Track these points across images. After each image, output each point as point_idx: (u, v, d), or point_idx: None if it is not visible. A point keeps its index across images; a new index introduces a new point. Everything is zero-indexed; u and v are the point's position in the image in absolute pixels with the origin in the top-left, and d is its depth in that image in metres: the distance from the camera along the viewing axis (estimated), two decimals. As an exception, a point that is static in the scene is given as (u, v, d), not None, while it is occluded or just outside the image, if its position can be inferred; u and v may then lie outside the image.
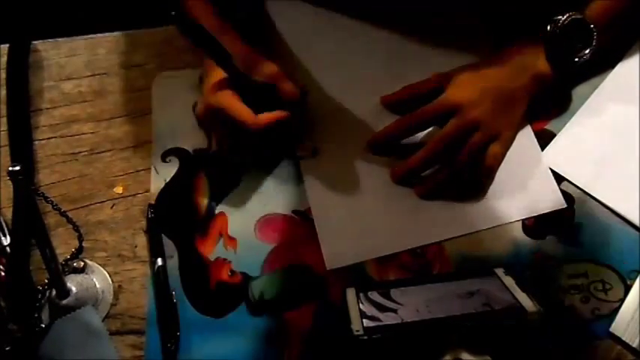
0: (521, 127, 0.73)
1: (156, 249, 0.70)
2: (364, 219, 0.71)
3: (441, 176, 0.70)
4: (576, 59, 0.70)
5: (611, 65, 0.76)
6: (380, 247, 0.69)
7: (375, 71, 0.77)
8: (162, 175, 0.74)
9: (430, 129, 0.72)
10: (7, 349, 0.63)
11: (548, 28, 0.70)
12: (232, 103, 0.66)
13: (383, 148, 0.73)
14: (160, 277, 0.69)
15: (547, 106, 0.75)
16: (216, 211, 0.72)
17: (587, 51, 0.70)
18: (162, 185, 0.74)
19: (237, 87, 0.66)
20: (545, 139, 0.74)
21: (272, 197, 0.73)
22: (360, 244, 0.70)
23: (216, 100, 0.66)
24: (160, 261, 0.69)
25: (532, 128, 0.74)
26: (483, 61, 0.73)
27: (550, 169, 0.72)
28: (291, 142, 0.73)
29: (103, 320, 0.68)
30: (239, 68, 0.66)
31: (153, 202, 0.73)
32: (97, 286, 0.69)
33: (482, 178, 0.71)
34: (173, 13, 0.59)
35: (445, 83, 0.71)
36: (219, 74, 0.67)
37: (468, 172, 0.70)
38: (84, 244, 0.72)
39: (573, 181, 0.71)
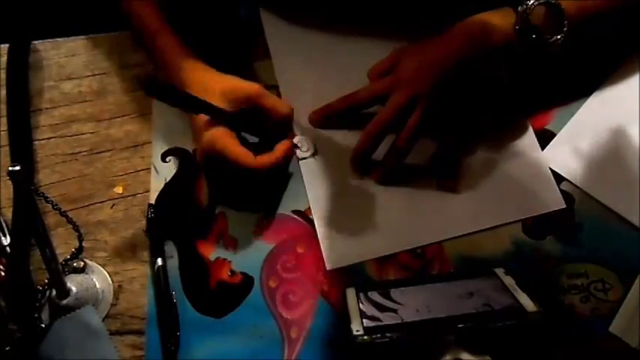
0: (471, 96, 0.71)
1: (156, 249, 0.70)
2: (364, 219, 0.71)
3: (390, 159, 0.70)
4: (547, 39, 0.66)
5: (612, 65, 0.76)
6: (380, 247, 0.69)
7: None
8: (162, 175, 0.74)
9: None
10: (7, 349, 0.63)
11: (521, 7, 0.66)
12: (228, 144, 0.65)
13: (326, 124, 0.74)
14: (159, 277, 0.69)
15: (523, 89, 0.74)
16: (216, 211, 0.72)
17: (558, 36, 0.66)
18: (162, 185, 0.74)
19: (227, 124, 0.65)
20: (545, 139, 0.74)
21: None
22: (361, 244, 0.70)
23: (211, 145, 0.65)
24: (159, 261, 0.69)
25: (532, 128, 0.74)
26: (439, 35, 0.70)
27: (550, 169, 0.72)
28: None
29: (103, 320, 0.68)
30: (221, 108, 0.65)
31: (153, 202, 0.73)
32: (97, 286, 0.69)
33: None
34: (135, 77, 0.59)
35: (400, 57, 0.72)
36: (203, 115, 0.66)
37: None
38: (84, 244, 0.72)
39: (573, 181, 0.71)
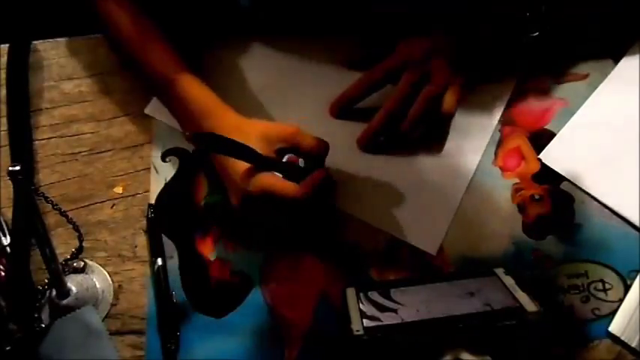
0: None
1: (156, 249, 0.70)
2: (413, 199, 0.72)
3: (403, 129, 0.72)
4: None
5: (611, 65, 0.76)
6: (443, 214, 0.71)
7: None
8: (162, 175, 0.74)
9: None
10: (7, 349, 0.63)
11: None
12: (273, 182, 0.63)
13: (345, 111, 0.75)
14: (159, 277, 0.69)
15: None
16: (217, 211, 0.72)
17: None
18: (162, 185, 0.74)
19: (266, 168, 0.65)
20: (545, 139, 0.74)
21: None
22: (432, 217, 0.71)
23: (257, 185, 0.63)
24: (159, 261, 0.69)
25: (532, 127, 0.75)
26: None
27: (550, 169, 0.72)
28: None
29: (103, 320, 0.68)
30: (260, 153, 0.64)
31: (153, 202, 0.73)
32: (97, 286, 0.69)
33: (442, 125, 0.73)
34: (187, 133, 0.59)
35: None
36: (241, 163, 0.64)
37: (427, 123, 0.72)
38: (84, 244, 0.72)
39: (573, 181, 0.72)
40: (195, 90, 0.70)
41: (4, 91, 0.77)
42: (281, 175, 0.65)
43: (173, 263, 0.70)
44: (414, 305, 0.64)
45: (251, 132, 0.65)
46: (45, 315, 0.68)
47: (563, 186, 0.72)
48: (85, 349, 0.65)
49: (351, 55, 0.78)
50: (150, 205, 0.72)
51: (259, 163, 0.64)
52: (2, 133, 0.76)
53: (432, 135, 0.74)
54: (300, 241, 0.71)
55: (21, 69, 0.78)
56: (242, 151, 0.62)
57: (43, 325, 0.66)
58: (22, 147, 0.75)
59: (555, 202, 0.71)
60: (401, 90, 0.71)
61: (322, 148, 0.67)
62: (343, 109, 0.75)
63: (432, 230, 0.71)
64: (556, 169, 0.72)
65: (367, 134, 0.73)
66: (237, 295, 0.69)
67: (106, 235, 0.72)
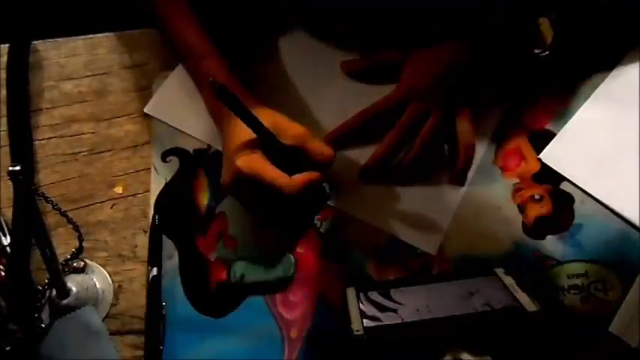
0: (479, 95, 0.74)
1: (153, 257, 0.70)
2: (412, 204, 0.72)
3: (408, 159, 0.71)
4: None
5: (611, 65, 0.76)
6: (443, 214, 0.71)
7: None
8: (162, 175, 0.74)
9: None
10: (7, 349, 0.63)
11: None
12: (265, 166, 0.63)
13: (343, 143, 0.74)
14: (152, 289, 0.68)
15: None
16: (216, 211, 0.72)
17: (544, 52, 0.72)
18: (162, 185, 0.74)
19: (266, 151, 0.64)
20: (545, 139, 0.74)
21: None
22: (432, 221, 0.71)
23: (246, 166, 0.63)
24: (155, 271, 0.69)
25: (532, 127, 0.75)
26: (437, 46, 0.73)
27: (551, 169, 0.72)
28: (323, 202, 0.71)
29: (103, 320, 0.68)
30: (270, 131, 0.63)
31: (155, 205, 0.73)
32: (97, 286, 0.69)
33: (466, 157, 0.71)
34: (211, 79, 0.58)
35: (402, 62, 0.74)
36: (241, 137, 0.64)
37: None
38: (84, 244, 0.72)
39: (573, 181, 0.72)
40: (218, 70, 0.71)
41: (4, 91, 0.77)
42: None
43: (173, 263, 0.70)
44: (414, 305, 0.64)
45: (263, 119, 0.64)
46: (45, 315, 0.68)
47: (563, 186, 0.72)
48: (85, 349, 0.65)
49: (352, 65, 0.77)
50: (156, 211, 0.72)
51: (266, 139, 0.63)
52: (2, 133, 0.76)
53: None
54: (278, 228, 0.71)
55: (21, 69, 0.78)
56: (254, 122, 0.62)
57: (43, 325, 0.66)
58: (22, 147, 0.75)
59: (555, 202, 0.71)
60: (404, 123, 0.71)
61: (328, 156, 0.66)
62: (341, 140, 0.74)
63: (432, 230, 0.71)
64: (556, 169, 0.72)
65: (371, 164, 0.72)
66: (237, 295, 0.69)
67: (106, 235, 0.72)
